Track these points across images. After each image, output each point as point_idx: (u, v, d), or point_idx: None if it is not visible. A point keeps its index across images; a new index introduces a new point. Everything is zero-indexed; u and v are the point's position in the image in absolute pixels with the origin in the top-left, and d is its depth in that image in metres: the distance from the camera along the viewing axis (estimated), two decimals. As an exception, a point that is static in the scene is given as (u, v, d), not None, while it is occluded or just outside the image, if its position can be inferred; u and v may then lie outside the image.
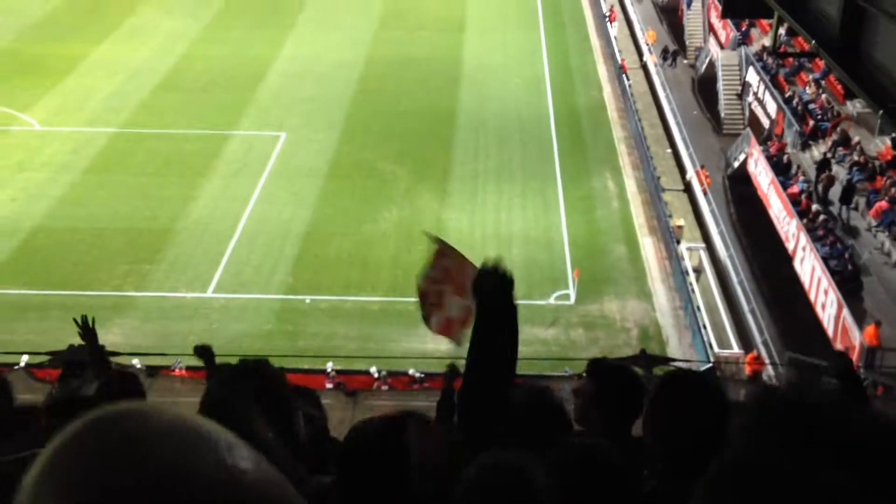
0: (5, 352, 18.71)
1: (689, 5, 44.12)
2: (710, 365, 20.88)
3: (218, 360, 18.66)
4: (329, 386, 21.05)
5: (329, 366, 20.93)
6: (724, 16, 29.97)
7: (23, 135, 34.96)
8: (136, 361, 16.41)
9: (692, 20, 44.14)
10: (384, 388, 20.40)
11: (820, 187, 26.97)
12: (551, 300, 25.78)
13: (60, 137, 34.74)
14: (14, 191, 30.91)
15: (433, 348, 19.66)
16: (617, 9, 49.14)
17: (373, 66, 42.22)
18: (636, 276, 27.13)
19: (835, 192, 26.45)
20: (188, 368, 20.68)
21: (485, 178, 32.50)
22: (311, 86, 39.88)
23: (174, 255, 27.80)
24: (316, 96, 38.82)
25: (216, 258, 27.69)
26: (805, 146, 29.40)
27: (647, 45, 43.36)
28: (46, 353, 14.94)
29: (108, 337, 22.83)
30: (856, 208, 25.87)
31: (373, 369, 20.77)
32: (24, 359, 17.44)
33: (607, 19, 46.43)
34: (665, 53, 42.73)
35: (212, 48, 43.92)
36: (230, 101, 38.01)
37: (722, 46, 38.62)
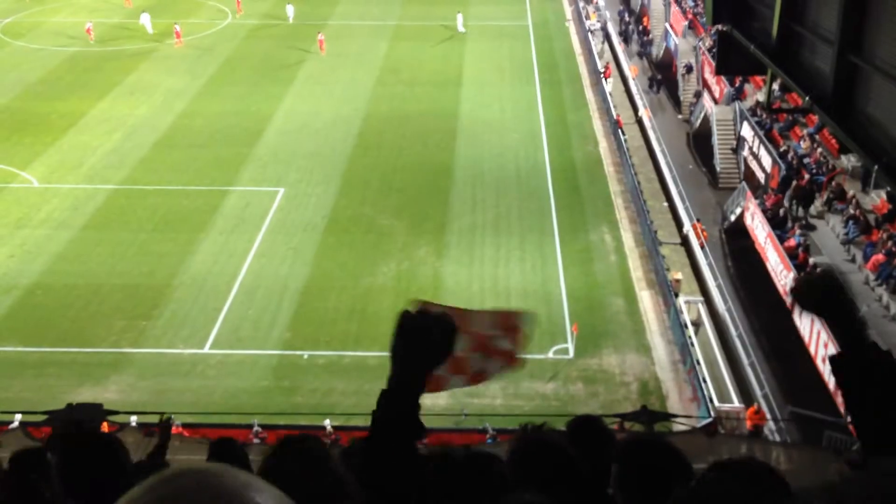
0: (1, 410, 18.54)
1: (688, 71, 44.79)
2: (711, 420, 20.72)
3: (215, 417, 18.41)
4: (327, 442, 20.90)
5: (327, 423, 20.76)
6: (718, 73, 30.25)
7: (22, 192, 35.11)
8: (133, 419, 16.24)
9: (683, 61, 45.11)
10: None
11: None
12: (550, 354, 25.66)
13: (59, 194, 34.88)
14: (12, 248, 30.93)
15: (430, 403, 19.53)
16: (612, 65, 49.84)
17: (371, 121, 42.62)
18: (635, 330, 27.04)
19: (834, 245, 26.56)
20: (184, 426, 20.52)
21: (482, 231, 32.59)
22: (309, 141, 40.19)
23: (172, 311, 27.73)
24: (314, 151, 39.09)
25: (214, 314, 27.62)
26: (801, 200, 29.53)
27: (633, 78, 46.92)
28: (43, 413, 14.77)
29: (105, 394, 22.78)
30: (853, 260, 25.94)
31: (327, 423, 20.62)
32: (18, 417, 17.27)
33: (602, 75, 47.00)
34: (651, 82, 47.57)
35: (211, 105, 44.35)
36: (229, 157, 38.27)
37: (716, 101, 39.04)
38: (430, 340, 2.89)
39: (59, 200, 34.40)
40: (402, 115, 43.14)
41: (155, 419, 18.30)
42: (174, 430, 19.65)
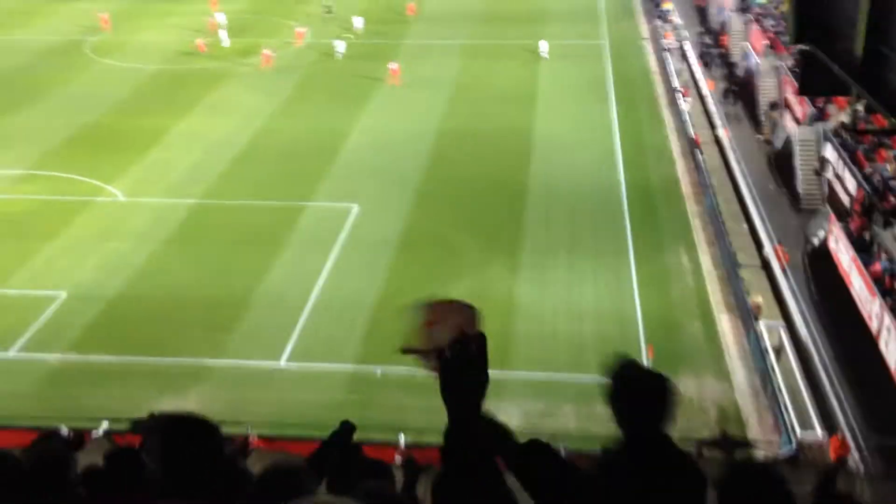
0: (88, 417, 19.06)
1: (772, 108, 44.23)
2: (793, 450, 20.17)
3: (289, 430, 18.62)
4: (399, 458, 20.92)
5: (401, 437, 20.82)
6: (801, 93, 29.71)
7: (108, 205, 36.17)
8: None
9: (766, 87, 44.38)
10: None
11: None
12: (624, 376, 25.29)
13: (143, 208, 35.85)
14: (98, 259, 31.85)
15: (505, 420, 19.42)
16: (689, 84, 49.28)
17: (444, 138, 42.85)
18: (713, 354, 26.52)
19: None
20: (260, 438, 20.82)
21: (556, 251, 32.42)
22: (383, 158, 40.58)
23: (249, 324, 28.20)
24: (388, 168, 39.45)
25: (289, 328, 27.99)
26: (887, 223, 28.68)
27: (709, 91, 47.53)
28: (128, 421, 15.14)
29: (186, 404, 23.21)
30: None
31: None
32: (105, 424, 17.78)
33: (680, 94, 46.47)
34: (727, 92, 47.52)
35: (288, 122, 45.15)
36: (305, 173, 38.87)
37: (798, 122, 38.24)
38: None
39: (143, 214, 35.36)
40: (476, 132, 43.27)
41: (231, 429, 18.59)
42: (252, 442, 19.97)
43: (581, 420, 23.40)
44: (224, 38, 56.95)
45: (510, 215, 35.09)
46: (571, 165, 39.63)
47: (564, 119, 45.13)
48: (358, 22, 59.08)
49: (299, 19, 62.22)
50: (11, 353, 26.79)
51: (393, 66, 50.48)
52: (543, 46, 55.14)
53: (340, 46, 54.58)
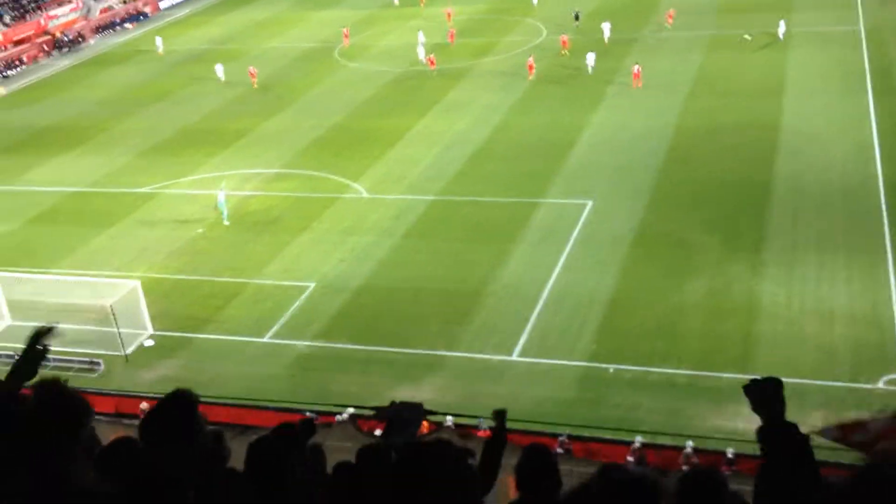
0: (333, 403, 20.16)
1: None
2: None
3: (520, 425, 18.74)
4: (630, 459, 20.52)
5: (638, 439, 20.41)
6: None
7: (353, 202, 38.18)
8: (449, 419, 16.96)
9: None
10: (684, 467, 19.48)
11: None
12: (880, 384, 23.44)
13: (384, 204, 37.51)
14: (343, 253, 33.69)
15: (745, 427, 18.52)
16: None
17: (683, 133, 41.57)
18: None
19: None
20: (490, 429, 21.08)
21: (804, 249, 30.53)
22: (618, 154, 39.99)
23: (483, 318, 28.72)
24: (623, 165, 38.82)
25: (522, 322, 28.22)
26: None
27: None
28: (370, 408, 15.84)
29: (422, 394, 24.07)
30: None
31: (689, 445, 19.87)
32: (350, 410, 18.73)
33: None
34: None
35: (523, 119, 45.58)
36: (539, 170, 39.05)
37: None
38: None
39: (384, 210, 36.98)
40: (717, 127, 41.63)
41: (468, 421, 19.00)
42: (481, 433, 20.30)
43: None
44: (420, 53, 56.60)
45: (752, 212, 33.46)
46: (822, 160, 37.18)
47: (815, 111, 42.40)
48: (606, 28, 56.47)
49: (552, 26, 62.50)
50: (266, 339, 28.92)
51: (635, 68, 48.64)
52: (782, 27, 52.36)
53: (591, 59, 51.10)
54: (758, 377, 4.17)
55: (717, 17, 60.29)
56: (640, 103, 45.92)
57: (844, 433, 5.03)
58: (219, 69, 57.25)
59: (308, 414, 21.78)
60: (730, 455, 19.51)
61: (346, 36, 63.58)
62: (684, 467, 19.22)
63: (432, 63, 54.64)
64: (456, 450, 3.77)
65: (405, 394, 23.58)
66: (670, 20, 58.51)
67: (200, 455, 4.18)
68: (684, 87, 47.47)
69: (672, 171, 37.84)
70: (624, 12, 62.64)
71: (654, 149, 40.12)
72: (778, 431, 3.93)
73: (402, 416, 5.75)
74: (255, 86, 55.20)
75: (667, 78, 48.97)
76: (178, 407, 4.25)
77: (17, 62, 69.37)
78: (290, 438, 4.66)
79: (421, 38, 58.53)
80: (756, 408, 4.05)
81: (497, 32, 62.39)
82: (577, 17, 61.02)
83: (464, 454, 3.75)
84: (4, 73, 67.17)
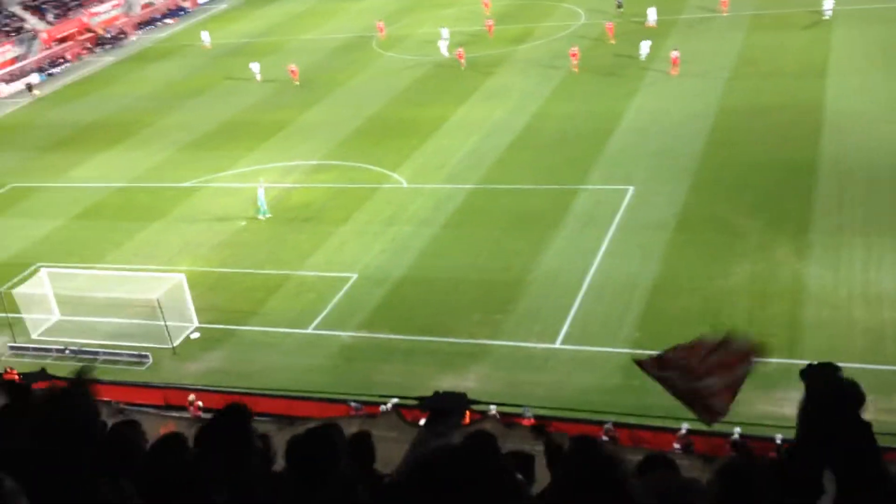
0: (378, 394, 20.24)
1: None
2: None
3: (565, 413, 18.60)
4: (677, 447, 20.37)
5: (684, 426, 20.23)
6: None
7: (393, 192, 38.26)
8: (492, 408, 16.93)
9: None
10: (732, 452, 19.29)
11: None
12: (930, 371, 22.96)
13: (424, 194, 37.53)
14: (384, 243, 33.79)
15: (793, 413, 18.26)
16: None
17: (724, 116, 41.00)
18: None
19: None
20: (535, 417, 21.08)
21: (851, 232, 29.99)
22: (659, 139, 39.56)
23: (525, 306, 28.64)
24: (664, 149, 38.39)
25: (564, 310, 28.10)
26: None
27: None
28: (415, 398, 15.88)
29: (465, 383, 24.11)
30: None
31: (736, 431, 19.65)
32: (394, 400, 18.77)
33: None
34: None
35: (562, 106, 45.26)
36: (579, 157, 38.78)
37: None
38: None
39: (424, 199, 37.01)
40: (759, 108, 40.97)
41: (512, 410, 18.97)
42: (525, 421, 20.29)
43: (879, 413, 21.49)
44: (443, 48, 55.62)
45: (797, 195, 32.91)
46: (868, 140, 36.40)
47: (860, 91, 41.52)
48: (651, 14, 54.98)
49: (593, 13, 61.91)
50: (309, 330, 29.16)
51: (674, 53, 47.44)
52: (827, 4, 51.22)
53: (645, 48, 49.67)
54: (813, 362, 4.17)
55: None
56: (680, 87, 45.36)
57: (660, 365, 4.50)
58: (254, 67, 57.14)
59: (352, 404, 21.96)
60: (778, 441, 19.26)
61: (381, 29, 63.28)
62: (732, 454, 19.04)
63: (461, 57, 53.53)
64: (498, 457, 3.74)
65: (448, 383, 23.63)
66: (725, 7, 56.33)
67: (248, 464, 4.34)
68: (726, 69, 46.77)
69: (714, 154, 37.36)
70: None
71: (696, 132, 39.62)
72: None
73: (446, 405, 5.76)
74: (297, 82, 54.94)
75: (708, 60, 48.28)
76: (232, 421, 4.41)
77: (61, 59, 70.52)
78: (331, 435, 4.66)
79: (444, 33, 56.98)
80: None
81: (534, 18, 61.96)
82: (619, 5, 59.39)
83: (509, 459, 3.69)
84: (49, 72, 68.33)
